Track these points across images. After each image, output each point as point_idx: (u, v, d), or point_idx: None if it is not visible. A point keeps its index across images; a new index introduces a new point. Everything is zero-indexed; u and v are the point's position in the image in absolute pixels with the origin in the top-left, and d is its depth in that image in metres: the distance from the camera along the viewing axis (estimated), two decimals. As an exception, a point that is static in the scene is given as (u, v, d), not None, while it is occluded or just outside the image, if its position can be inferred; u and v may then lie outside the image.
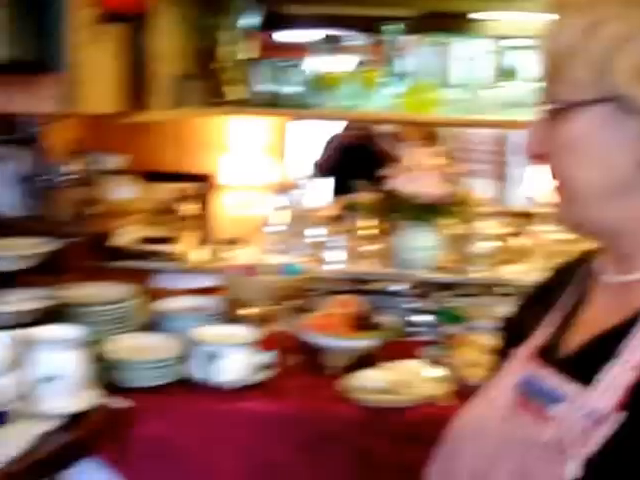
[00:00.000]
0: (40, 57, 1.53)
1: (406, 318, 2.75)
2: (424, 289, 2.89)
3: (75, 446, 1.77)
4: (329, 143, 4.57)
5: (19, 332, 1.83)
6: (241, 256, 2.98)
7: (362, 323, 2.52)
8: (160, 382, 2.23)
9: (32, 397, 1.81)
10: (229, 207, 3.26)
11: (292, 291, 2.55)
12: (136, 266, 2.86)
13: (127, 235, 2.86)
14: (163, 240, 2.99)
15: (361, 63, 2.91)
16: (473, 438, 1.07)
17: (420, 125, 3.75)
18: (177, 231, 3.02)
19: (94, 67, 1.77)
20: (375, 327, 2.51)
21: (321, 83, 2.88)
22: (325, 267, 2.91)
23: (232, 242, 3.05)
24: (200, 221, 3.17)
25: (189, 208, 3.07)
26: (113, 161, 2.71)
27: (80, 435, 1.79)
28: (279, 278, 2.51)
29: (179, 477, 2.20)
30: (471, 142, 6.06)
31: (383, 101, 2.88)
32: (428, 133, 4.09)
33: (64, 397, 1.85)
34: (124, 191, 2.52)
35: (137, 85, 2.11)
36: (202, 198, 3.18)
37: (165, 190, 3.03)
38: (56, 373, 1.82)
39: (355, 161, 4.03)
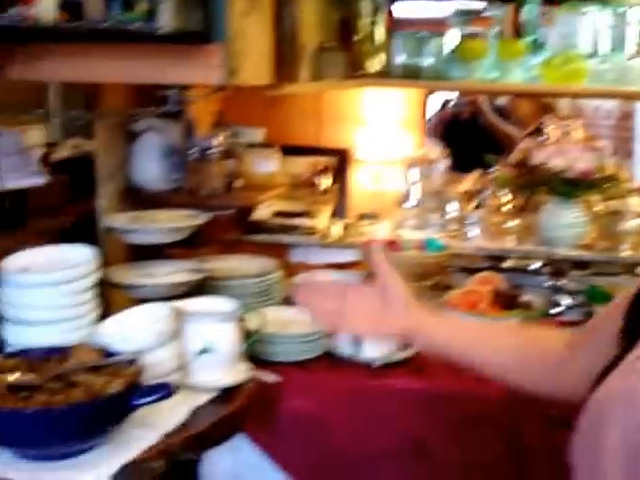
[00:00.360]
0: (203, 27, 1.52)
1: (551, 297, 2.66)
2: (560, 267, 2.80)
3: (230, 421, 1.76)
4: (431, 118, 4.47)
5: (175, 304, 1.83)
6: (377, 231, 2.95)
7: (506, 301, 2.46)
8: (306, 357, 2.22)
9: (187, 370, 1.81)
10: (364, 181, 3.22)
11: (433, 267, 2.50)
12: (273, 240, 2.85)
13: (265, 209, 2.85)
14: (298, 214, 2.97)
15: (500, 34, 2.81)
16: (622, 410, 1.04)
17: (558, 97, 3.62)
18: (312, 205, 3.00)
19: (250, 38, 1.75)
20: (519, 306, 2.44)
21: (460, 55, 2.80)
22: (463, 243, 2.85)
23: (367, 217, 3.01)
24: (335, 195, 3.14)
25: (324, 182, 3.04)
26: (253, 134, 2.70)
27: (235, 409, 1.77)
28: (421, 254, 2.46)
29: (323, 454, 2.18)
30: (594, 116, 5.85)
31: (523, 73, 2.78)
32: (542, 106, 3.95)
33: (218, 370, 1.85)
34: (265, 164, 2.50)
35: (285, 57, 2.08)
36: (337, 172, 3.14)
37: (300, 164, 3.00)
38: (211, 346, 1.82)
39: (461, 136, 3.93)
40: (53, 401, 1.48)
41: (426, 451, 2.15)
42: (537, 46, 2.77)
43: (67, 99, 2.76)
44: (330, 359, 2.26)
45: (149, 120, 2.30)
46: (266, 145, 2.68)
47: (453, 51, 2.81)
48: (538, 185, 2.67)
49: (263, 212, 2.88)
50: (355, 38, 2.72)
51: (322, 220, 2.95)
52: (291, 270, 2.57)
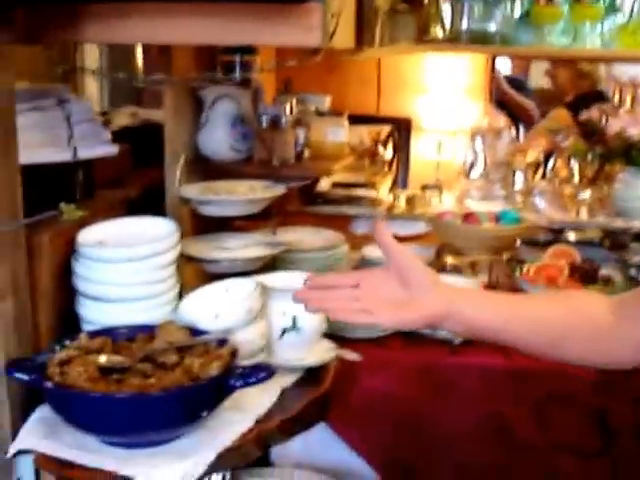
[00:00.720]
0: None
1: (623, 271, 2.56)
2: (620, 239, 2.71)
3: (322, 402, 1.68)
4: None
5: (258, 279, 1.74)
6: (441, 202, 2.86)
7: (585, 276, 2.36)
8: (382, 333, 2.14)
9: (272, 349, 1.73)
10: (426, 151, 3.12)
11: (509, 240, 2.40)
12: (336, 211, 2.76)
13: (328, 179, 2.76)
14: (357, 185, 2.88)
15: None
16: None
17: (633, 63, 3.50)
18: (373, 176, 2.90)
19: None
20: (599, 280, 2.35)
21: (531, 20, 2.69)
22: (531, 215, 2.75)
23: (430, 187, 2.91)
24: (396, 165, 3.04)
25: (386, 152, 2.94)
26: (319, 102, 2.60)
27: (325, 390, 1.69)
28: (497, 226, 2.37)
29: (400, 433, 2.11)
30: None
31: (597, 38, 2.67)
32: (580, 74, 3.83)
33: (303, 348, 1.77)
34: (335, 133, 2.40)
35: (365, 19, 1.97)
36: (398, 142, 3.05)
37: (361, 133, 2.90)
38: (297, 323, 1.74)
39: None
40: (147, 384, 1.41)
41: (509, 430, 2.07)
42: (612, 10, 2.66)
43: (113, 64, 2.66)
44: (406, 336, 2.18)
45: (219, 87, 2.20)
46: (335, 113, 2.58)
47: (523, 16, 2.70)
48: (615, 155, 2.57)
49: (323, 183, 2.79)
50: (423, 2, 2.61)
51: (383, 191, 2.87)
52: (357, 242, 2.48)
